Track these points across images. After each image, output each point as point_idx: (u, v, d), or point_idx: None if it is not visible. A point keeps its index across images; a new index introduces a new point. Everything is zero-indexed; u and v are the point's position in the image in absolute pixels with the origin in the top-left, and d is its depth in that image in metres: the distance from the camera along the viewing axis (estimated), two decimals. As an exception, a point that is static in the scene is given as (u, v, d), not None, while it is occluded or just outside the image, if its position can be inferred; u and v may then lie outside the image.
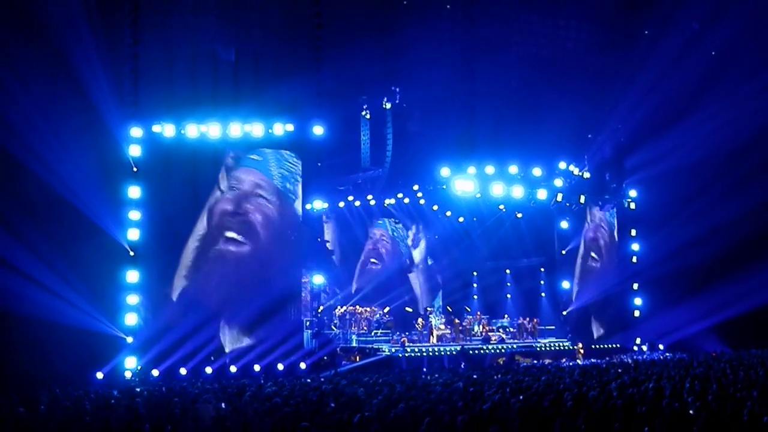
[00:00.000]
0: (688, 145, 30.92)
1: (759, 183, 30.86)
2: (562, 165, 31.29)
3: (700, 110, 30.86)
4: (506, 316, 32.69)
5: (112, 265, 22.32)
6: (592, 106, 32.57)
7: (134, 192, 22.93)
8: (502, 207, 32.31)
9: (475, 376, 19.09)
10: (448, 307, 32.15)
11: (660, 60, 31.11)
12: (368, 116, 31.39)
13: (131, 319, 22.39)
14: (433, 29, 29.84)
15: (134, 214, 22.82)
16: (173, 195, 23.99)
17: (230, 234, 24.39)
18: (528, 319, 31.38)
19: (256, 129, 24.35)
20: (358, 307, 30.11)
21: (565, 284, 33.12)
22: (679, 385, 14.68)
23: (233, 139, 24.25)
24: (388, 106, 30.89)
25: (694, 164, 31.49)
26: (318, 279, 25.85)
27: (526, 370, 21.30)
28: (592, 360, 27.77)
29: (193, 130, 23.79)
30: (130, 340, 22.27)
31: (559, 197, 31.03)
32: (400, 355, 25.55)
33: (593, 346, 31.73)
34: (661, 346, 33.01)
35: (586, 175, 32.36)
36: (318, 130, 24.92)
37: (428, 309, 30.50)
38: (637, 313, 33.64)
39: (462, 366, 24.91)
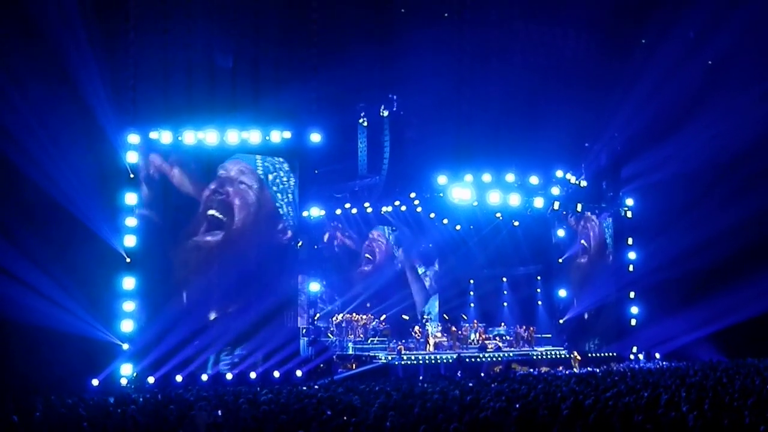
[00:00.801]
0: (685, 153, 31.02)
1: (756, 192, 30.91)
2: (559, 173, 31.32)
3: (697, 119, 30.96)
4: (503, 324, 32.66)
5: (109, 271, 22.26)
6: (589, 115, 32.64)
7: (131, 198, 22.89)
8: (499, 215, 32.33)
9: (471, 385, 19.09)
10: (445, 315, 32.14)
11: (657, 69, 31.17)
12: (365, 123, 31.38)
13: (127, 326, 22.32)
14: (431, 37, 29.85)
15: (131, 221, 22.78)
16: (170, 202, 23.97)
17: (211, 212, 24.41)
18: (524, 327, 31.39)
19: (254, 136, 24.34)
20: (354, 314, 30.09)
21: (562, 292, 33.12)
22: (675, 394, 14.68)
23: (230, 146, 24.24)
24: (386, 113, 30.89)
25: (690, 173, 31.60)
26: (314, 287, 25.82)
27: (523, 379, 21.28)
28: (589, 368, 27.75)
29: (190, 137, 23.78)
30: (126, 347, 22.21)
31: (556, 205, 31.06)
32: (397, 362, 25.53)
33: (590, 355, 31.72)
34: (657, 355, 33.01)
35: (583, 183, 32.38)
36: (315, 138, 24.93)
37: (425, 317, 30.47)
38: (633, 322, 33.65)
39: (458, 374, 24.88)
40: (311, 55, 25.35)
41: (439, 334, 29.00)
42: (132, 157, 23.10)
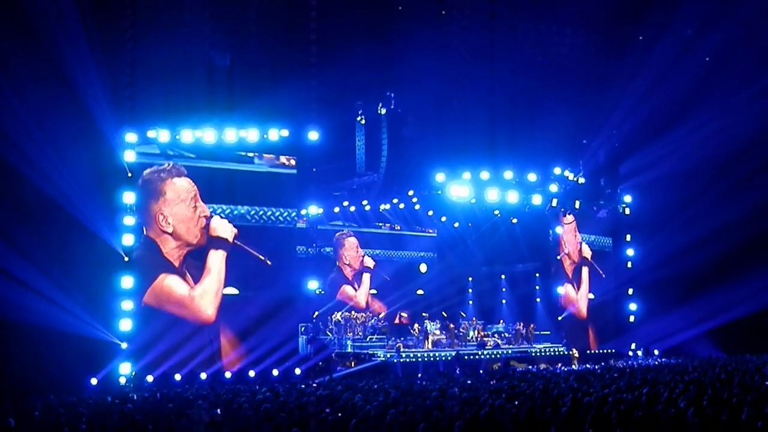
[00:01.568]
0: (683, 150, 31.05)
1: (753, 188, 30.95)
2: (557, 170, 31.32)
3: (695, 116, 30.98)
4: (501, 321, 32.68)
5: (107, 270, 22.24)
6: (587, 112, 32.66)
7: (129, 197, 22.85)
8: (497, 212, 32.31)
9: (470, 382, 19.09)
10: (444, 313, 32.17)
11: (655, 66, 31.20)
12: (363, 122, 31.37)
13: (126, 325, 22.31)
14: (428, 35, 29.87)
15: (129, 220, 22.75)
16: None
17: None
18: (523, 324, 31.38)
19: (252, 134, 24.31)
20: (353, 312, 30.10)
21: (560, 290, 33.14)
22: (674, 391, 14.69)
23: (228, 145, 24.23)
24: (384, 111, 30.86)
25: (688, 170, 31.62)
26: (313, 284, 25.81)
27: (522, 376, 21.29)
28: (588, 365, 27.77)
29: (188, 136, 23.76)
30: (124, 345, 22.19)
31: (554, 202, 31.07)
32: (396, 360, 25.52)
33: (588, 352, 31.74)
34: (656, 352, 33.06)
35: (581, 180, 32.41)
36: (313, 136, 24.92)
37: (423, 314, 30.47)
38: (632, 319, 33.68)
39: (457, 371, 24.89)
40: (309, 54, 25.33)
41: (437, 332, 28.99)
42: (130, 156, 23.08)
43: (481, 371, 25.17)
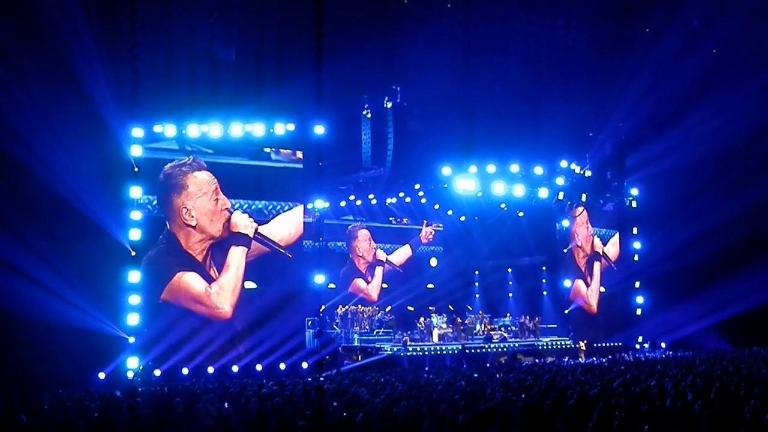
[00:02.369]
0: (690, 143, 30.94)
1: (760, 181, 30.85)
2: (564, 163, 31.28)
3: (702, 109, 30.85)
4: (508, 314, 32.68)
5: (114, 265, 22.29)
6: (593, 105, 32.58)
7: (135, 192, 22.88)
8: (503, 206, 32.29)
9: (476, 375, 19.10)
10: (450, 306, 32.19)
11: (661, 59, 31.07)
12: (369, 115, 31.37)
13: (133, 319, 22.36)
14: (434, 29, 29.75)
15: (136, 214, 22.79)
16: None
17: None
18: (530, 317, 31.39)
19: (257, 129, 24.34)
20: (360, 306, 30.13)
21: (567, 283, 33.11)
22: (681, 383, 14.68)
23: (234, 139, 24.25)
24: (389, 105, 30.84)
25: (695, 162, 31.52)
26: (319, 279, 25.84)
27: (528, 369, 21.30)
28: (594, 358, 27.76)
29: (194, 130, 23.80)
30: (132, 340, 22.25)
31: (561, 196, 31.01)
32: (402, 354, 25.55)
33: (595, 345, 31.71)
34: (663, 344, 33.01)
35: (588, 173, 32.37)
36: (319, 130, 24.87)
37: (430, 308, 30.49)
38: (639, 312, 33.63)
39: (464, 365, 24.90)
40: (314, 47, 25.20)
41: (444, 325, 29.02)
42: (136, 151, 23.10)
43: (487, 365, 25.20)
